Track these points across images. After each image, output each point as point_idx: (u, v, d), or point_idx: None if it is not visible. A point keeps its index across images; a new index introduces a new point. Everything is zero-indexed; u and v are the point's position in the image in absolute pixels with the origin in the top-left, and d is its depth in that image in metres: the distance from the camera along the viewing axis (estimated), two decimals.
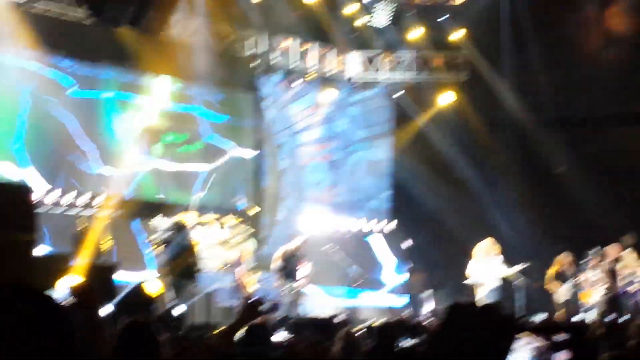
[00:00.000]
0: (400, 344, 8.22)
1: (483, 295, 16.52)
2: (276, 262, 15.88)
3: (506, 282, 17.40)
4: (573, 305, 17.23)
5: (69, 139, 18.01)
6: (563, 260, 17.45)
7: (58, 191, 16.76)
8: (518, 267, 16.80)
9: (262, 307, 6.36)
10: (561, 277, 17.34)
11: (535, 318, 12.49)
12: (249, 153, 21.21)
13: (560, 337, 6.34)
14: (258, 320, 7.39)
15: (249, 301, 6.79)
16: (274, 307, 6.71)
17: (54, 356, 2.08)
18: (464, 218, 21.52)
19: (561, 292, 17.19)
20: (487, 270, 16.60)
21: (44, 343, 2.08)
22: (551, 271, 17.41)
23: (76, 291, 3.79)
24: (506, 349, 3.69)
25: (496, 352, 3.66)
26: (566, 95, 22.19)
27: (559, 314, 16.80)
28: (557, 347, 6.18)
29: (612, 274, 16.72)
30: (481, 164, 22.59)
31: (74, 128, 18.18)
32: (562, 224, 21.57)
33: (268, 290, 17.09)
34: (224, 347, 5.71)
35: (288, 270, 15.90)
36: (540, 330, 7.84)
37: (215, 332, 6.55)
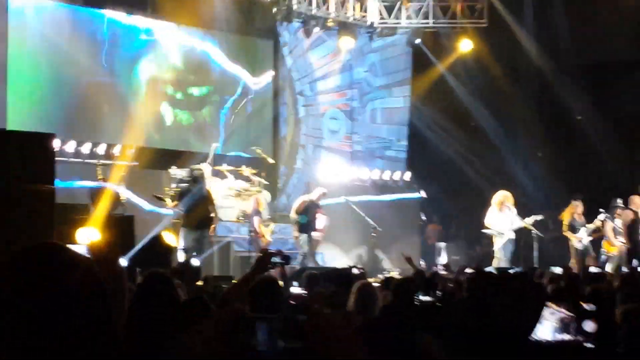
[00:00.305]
0: (418, 298, 8.23)
1: (500, 245, 16.53)
2: (294, 213, 15.90)
3: (523, 233, 17.40)
4: (589, 255, 17.21)
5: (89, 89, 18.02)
6: (572, 209, 17.36)
7: (74, 141, 16.71)
8: (532, 219, 16.77)
9: (274, 259, 6.37)
10: (571, 227, 17.28)
11: (554, 270, 12.44)
12: (267, 102, 21.14)
13: (587, 306, 6.31)
14: (270, 272, 7.42)
15: (261, 254, 6.79)
16: (286, 258, 6.71)
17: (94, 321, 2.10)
18: (482, 168, 21.47)
19: (574, 241, 17.16)
20: (503, 221, 16.59)
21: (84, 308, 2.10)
22: (564, 220, 17.35)
23: (95, 249, 3.77)
24: (535, 319, 3.66)
25: (525, 322, 3.62)
26: (587, 41, 21.92)
27: (572, 263, 16.81)
28: (583, 316, 6.15)
29: (632, 225, 16.64)
30: (500, 112, 22.45)
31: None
32: (581, 173, 21.47)
33: (285, 241, 17.16)
34: (237, 300, 5.73)
35: (306, 222, 15.93)
36: (560, 291, 7.83)
37: (228, 286, 6.56)
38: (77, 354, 2.00)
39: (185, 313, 4.86)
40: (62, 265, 2.06)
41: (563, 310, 6.22)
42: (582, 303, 6.44)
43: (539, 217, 16.98)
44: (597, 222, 17.07)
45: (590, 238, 17.22)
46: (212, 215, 14.90)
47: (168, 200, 15.22)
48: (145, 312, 4.90)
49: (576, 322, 6.03)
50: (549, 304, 6.19)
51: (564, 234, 17.35)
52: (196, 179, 15.14)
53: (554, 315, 6.02)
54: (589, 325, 5.96)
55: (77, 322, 2.02)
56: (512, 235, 16.67)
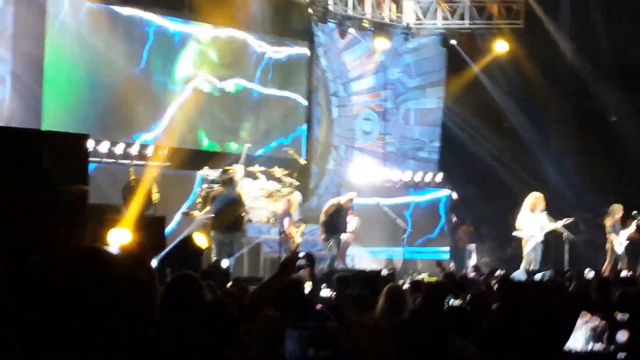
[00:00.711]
0: (448, 303, 8.18)
1: (530, 248, 16.40)
2: (323, 216, 15.88)
3: (554, 236, 17.27)
4: (623, 259, 17.08)
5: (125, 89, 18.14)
6: (615, 212, 17.25)
7: (108, 142, 16.81)
8: (562, 222, 16.63)
9: (300, 261, 6.36)
10: (614, 230, 17.16)
11: (588, 275, 12.34)
12: (301, 101, 21.17)
13: (621, 316, 6.25)
14: (295, 275, 7.40)
15: (286, 256, 6.78)
16: (311, 260, 6.73)
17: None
18: (515, 170, 21.34)
19: (616, 244, 17.03)
20: (534, 223, 16.47)
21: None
22: (607, 222, 17.21)
23: (127, 251, 3.81)
24: (569, 330, 3.62)
25: (558, 333, 3.58)
26: (624, 43, 21.72)
27: (605, 266, 16.68)
28: (616, 326, 6.10)
29: None
30: (534, 114, 22.32)
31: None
32: (615, 176, 21.32)
33: (315, 242, 17.15)
34: (261, 304, 5.73)
35: (335, 224, 15.90)
36: (593, 299, 7.75)
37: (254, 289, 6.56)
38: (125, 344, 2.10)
39: (208, 315, 4.86)
40: (107, 267, 2.14)
41: (596, 318, 6.17)
42: (616, 313, 6.38)
43: (570, 220, 16.83)
44: (633, 225, 16.99)
45: (627, 242, 17.11)
46: (243, 217, 14.93)
47: (196, 212, 15.25)
48: (173, 314, 4.91)
49: (609, 330, 5.99)
50: (582, 312, 6.14)
51: (608, 236, 17.21)
52: (226, 182, 15.18)
53: (587, 324, 5.97)
54: (622, 335, 5.90)
55: (123, 318, 2.12)
56: (542, 238, 16.54)
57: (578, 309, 6.18)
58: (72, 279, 2.17)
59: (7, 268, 5.27)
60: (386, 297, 6.91)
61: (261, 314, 4.87)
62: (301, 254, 7.01)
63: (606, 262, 17.01)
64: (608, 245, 17.26)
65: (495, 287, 9.71)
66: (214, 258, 14.18)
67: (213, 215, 14.70)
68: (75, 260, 2.21)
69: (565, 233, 16.76)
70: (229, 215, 14.68)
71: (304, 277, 8.72)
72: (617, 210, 17.29)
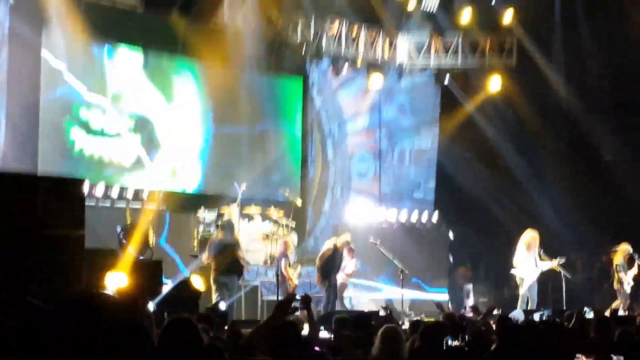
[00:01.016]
0: (447, 343, 8.16)
1: (527, 287, 16.35)
2: (319, 261, 15.85)
3: (552, 275, 17.23)
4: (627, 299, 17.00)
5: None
6: (624, 251, 17.15)
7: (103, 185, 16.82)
8: (556, 261, 16.58)
9: (294, 303, 6.34)
10: (623, 268, 17.07)
11: (587, 314, 12.30)
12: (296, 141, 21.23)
13: (616, 358, 6.25)
14: (293, 317, 7.36)
15: (282, 299, 6.76)
16: (308, 302, 6.72)
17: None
18: (510, 208, 21.35)
19: (625, 283, 16.95)
20: (530, 261, 16.43)
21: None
22: (616, 261, 17.08)
23: (123, 295, 3.83)
24: None
25: None
26: (617, 81, 21.85)
27: (617, 304, 16.55)
28: None
29: None
30: (529, 152, 22.37)
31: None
32: (611, 214, 21.32)
33: (312, 284, 17.10)
34: (256, 346, 5.71)
35: (331, 268, 15.86)
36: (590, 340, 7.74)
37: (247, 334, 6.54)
38: None
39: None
40: (105, 312, 2.16)
41: None
42: (612, 355, 6.37)
43: (562, 260, 16.75)
44: (635, 266, 16.94)
45: (633, 283, 17.06)
46: (241, 261, 14.95)
47: (203, 256, 15.25)
48: (168, 357, 4.90)
49: None
50: (579, 355, 6.13)
51: (617, 275, 17.09)
52: (224, 227, 15.19)
53: None
54: None
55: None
56: (536, 276, 16.49)
57: (575, 349, 6.17)
58: (69, 324, 2.18)
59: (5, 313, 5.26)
60: (382, 338, 6.90)
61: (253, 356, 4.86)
62: (297, 296, 6.99)
63: (618, 301, 16.84)
64: (617, 286, 17.09)
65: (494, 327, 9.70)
66: (214, 300, 14.19)
67: (213, 259, 14.69)
68: (72, 305, 2.22)
69: (563, 272, 16.72)
70: (228, 259, 14.68)
71: (301, 318, 8.69)
72: (626, 248, 17.19)
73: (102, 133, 17.98)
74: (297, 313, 8.34)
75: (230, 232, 15.21)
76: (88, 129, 17.81)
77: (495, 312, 12.97)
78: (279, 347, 5.90)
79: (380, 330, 7.03)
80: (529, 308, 15.75)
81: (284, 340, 5.96)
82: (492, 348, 7.26)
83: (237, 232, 15.68)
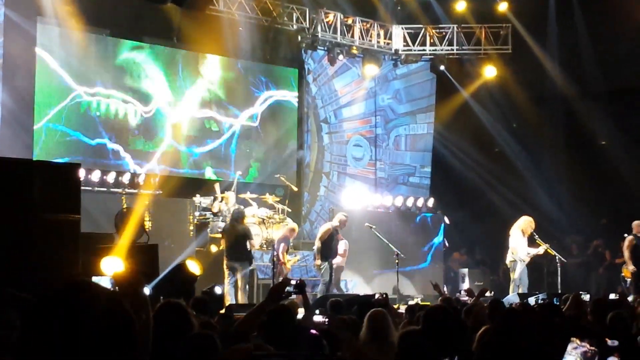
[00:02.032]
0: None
1: (520, 271, 16.40)
2: (318, 242, 15.90)
3: (547, 259, 17.28)
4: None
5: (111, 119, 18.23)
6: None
7: (99, 170, 16.86)
8: (542, 248, 16.62)
9: (288, 288, 6.36)
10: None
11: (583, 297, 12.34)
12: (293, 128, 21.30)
13: (611, 342, 6.28)
14: (288, 301, 7.39)
15: (276, 283, 6.79)
16: (299, 287, 6.75)
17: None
18: (506, 194, 21.41)
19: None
20: (524, 247, 16.48)
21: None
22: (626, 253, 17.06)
23: (119, 280, 3.86)
24: (561, 354, 3.65)
25: (550, 357, 3.60)
26: (611, 67, 21.89)
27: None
28: (606, 352, 6.13)
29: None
30: (524, 138, 22.44)
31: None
32: (606, 199, 21.39)
33: (308, 269, 17.16)
34: (249, 332, 5.73)
35: (330, 249, 15.92)
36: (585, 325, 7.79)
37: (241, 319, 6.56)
38: None
39: (192, 348, 4.87)
40: (90, 303, 2.17)
41: (586, 344, 6.19)
42: (606, 339, 6.40)
43: (547, 246, 16.75)
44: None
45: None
46: (250, 250, 15.34)
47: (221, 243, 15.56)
48: (157, 343, 4.91)
49: (599, 356, 6.00)
50: (573, 339, 6.16)
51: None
52: (238, 219, 15.43)
53: (577, 349, 5.99)
54: None
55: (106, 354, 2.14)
56: (527, 261, 16.54)
57: (570, 332, 6.21)
58: (50, 317, 2.18)
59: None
60: (368, 322, 6.92)
61: (229, 348, 4.87)
62: (292, 281, 7.01)
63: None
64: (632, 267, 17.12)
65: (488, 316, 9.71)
66: (226, 286, 14.68)
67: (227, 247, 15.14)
68: (56, 293, 2.23)
69: (558, 256, 16.77)
70: (238, 249, 14.95)
71: (296, 302, 8.74)
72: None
73: (98, 121, 18.03)
74: (293, 297, 8.38)
75: (240, 220, 15.46)
76: (84, 118, 17.85)
77: (487, 294, 13.03)
78: (274, 331, 5.93)
79: (367, 315, 7.06)
80: (522, 292, 15.80)
81: (279, 324, 5.99)
82: (484, 329, 7.31)
83: (247, 224, 16.03)
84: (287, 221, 17.52)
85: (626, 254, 16.59)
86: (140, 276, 4.16)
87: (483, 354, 4.30)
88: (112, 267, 10.93)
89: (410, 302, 14.02)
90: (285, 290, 6.31)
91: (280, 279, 15.60)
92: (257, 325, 5.92)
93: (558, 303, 11.51)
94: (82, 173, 13.88)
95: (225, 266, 14.99)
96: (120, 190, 16.38)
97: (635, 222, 16.69)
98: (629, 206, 20.40)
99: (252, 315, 5.99)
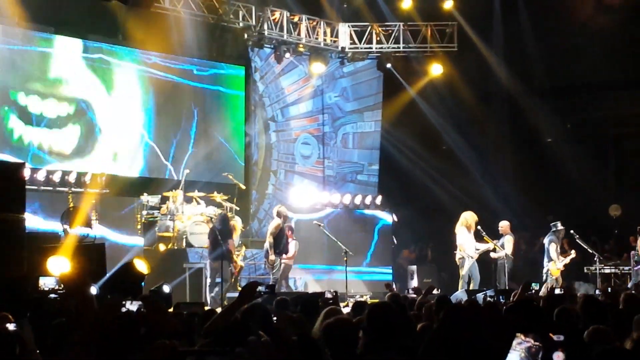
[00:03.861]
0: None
1: (468, 267, 16.52)
2: (270, 237, 15.88)
3: (490, 256, 17.43)
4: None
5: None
6: None
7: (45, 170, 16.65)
8: (497, 242, 16.79)
9: (259, 288, 6.35)
10: None
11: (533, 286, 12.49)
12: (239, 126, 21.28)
13: (556, 337, 6.32)
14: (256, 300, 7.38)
15: (249, 282, 6.77)
16: (272, 288, 6.78)
17: None
18: (453, 191, 21.58)
19: None
20: (471, 243, 16.59)
21: None
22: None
23: (65, 280, 3.83)
24: (505, 349, 3.67)
25: (495, 353, 3.64)
26: (556, 64, 22.18)
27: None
28: (551, 347, 6.16)
29: None
30: (471, 135, 22.62)
31: None
32: (553, 195, 21.65)
33: (257, 266, 17.13)
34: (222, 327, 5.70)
35: (281, 244, 15.92)
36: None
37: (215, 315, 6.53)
38: None
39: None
40: None
41: (530, 339, 6.23)
42: (550, 335, 6.45)
43: (496, 242, 16.93)
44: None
45: None
46: (233, 250, 15.82)
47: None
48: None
49: (543, 351, 6.04)
50: (518, 334, 6.19)
51: None
52: (221, 218, 15.98)
53: (521, 344, 6.03)
54: (558, 357, 5.98)
55: None
56: (476, 257, 16.68)
57: (513, 328, 6.24)
58: None
59: None
60: (323, 319, 6.92)
61: (153, 344, 4.84)
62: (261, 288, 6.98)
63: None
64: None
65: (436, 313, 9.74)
66: (209, 282, 15.45)
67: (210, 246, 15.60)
68: None
69: (504, 252, 16.89)
70: (220, 247, 15.21)
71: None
72: None
73: (41, 120, 17.84)
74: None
75: (225, 222, 15.78)
76: (27, 117, 17.65)
77: (435, 291, 13.09)
78: (248, 327, 5.88)
79: (323, 312, 7.06)
80: (471, 288, 15.91)
81: (255, 320, 5.95)
82: (422, 325, 7.33)
83: (234, 225, 16.46)
84: (236, 219, 17.46)
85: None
86: (86, 276, 4.14)
87: (427, 350, 4.32)
88: (58, 267, 10.82)
89: (359, 299, 14.06)
90: (257, 290, 6.29)
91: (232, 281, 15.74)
92: (226, 326, 5.89)
93: (504, 299, 11.62)
94: (27, 172, 13.69)
95: (208, 266, 15.58)
96: (66, 189, 16.20)
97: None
98: (575, 202, 20.71)
99: (222, 316, 5.96)
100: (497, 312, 7.62)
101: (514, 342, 5.77)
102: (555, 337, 6.28)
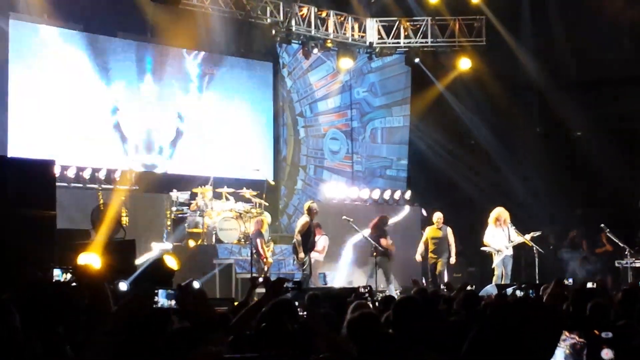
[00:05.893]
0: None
1: (498, 262, 16.48)
2: (299, 235, 15.88)
3: (525, 249, 17.35)
4: None
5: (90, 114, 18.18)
6: None
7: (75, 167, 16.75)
8: (530, 235, 16.72)
9: (287, 284, 6.34)
10: None
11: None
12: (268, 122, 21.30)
13: (605, 334, 6.25)
14: (284, 296, 7.37)
15: (277, 278, 6.75)
16: (299, 284, 6.75)
17: None
18: (482, 185, 21.48)
19: None
20: (500, 237, 16.55)
21: None
22: None
23: (80, 272, 3.84)
24: (553, 346, 3.61)
25: (543, 350, 3.58)
26: (586, 57, 22.00)
27: None
28: (599, 344, 6.10)
29: None
30: (499, 129, 22.50)
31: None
32: (581, 189, 21.49)
33: (286, 262, 17.14)
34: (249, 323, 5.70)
35: (309, 242, 15.92)
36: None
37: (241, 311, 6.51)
38: None
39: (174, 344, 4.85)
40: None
41: (575, 336, 6.17)
42: (596, 332, 6.36)
43: (537, 233, 16.91)
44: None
45: None
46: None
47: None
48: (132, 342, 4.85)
49: (588, 348, 5.97)
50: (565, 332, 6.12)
51: None
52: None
53: (566, 341, 5.97)
54: (607, 354, 5.92)
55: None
56: (510, 252, 16.63)
57: (560, 325, 6.16)
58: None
59: None
60: (353, 314, 6.88)
61: (199, 350, 4.83)
62: (290, 282, 6.96)
63: None
64: None
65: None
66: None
67: None
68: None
69: (535, 247, 16.82)
70: None
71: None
72: None
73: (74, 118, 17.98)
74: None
75: None
76: (57, 113, 17.77)
77: (468, 288, 13.03)
78: (277, 322, 5.87)
79: (350, 307, 7.03)
80: (503, 283, 15.84)
81: (283, 316, 5.94)
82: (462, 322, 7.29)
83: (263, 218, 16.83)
84: (265, 215, 17.49)
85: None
86: (104, 271, 4.13)
87: (473, 348, 4.24)
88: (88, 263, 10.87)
89: (387, 294, 14.03)
90: (284, 286, 6.28)
91: (262, 276, 15.71)
92: (253, 323, 5.88)
93: (534, 294, 11.53)
94: (57, 169, 13.79)
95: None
96: (96, 186, 16.30)
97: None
98: (604, 196, 20.55)
99: (250, 312, 5.94)
100: (546, 308, 7.54)
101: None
102: (603, 334, 6.19)
